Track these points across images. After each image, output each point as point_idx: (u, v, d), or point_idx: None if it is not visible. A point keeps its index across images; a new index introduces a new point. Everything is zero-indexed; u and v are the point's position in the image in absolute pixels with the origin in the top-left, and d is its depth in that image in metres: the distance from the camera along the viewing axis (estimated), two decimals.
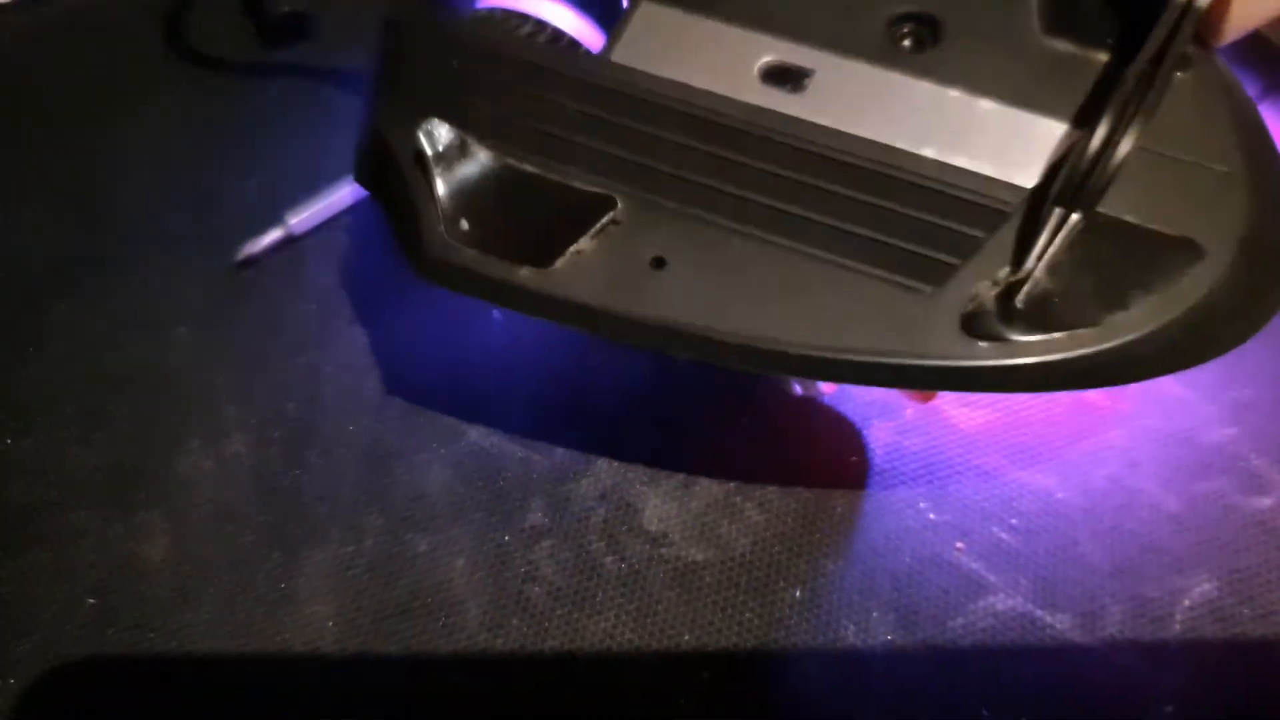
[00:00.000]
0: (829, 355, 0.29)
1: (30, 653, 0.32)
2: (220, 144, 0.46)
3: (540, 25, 0.34)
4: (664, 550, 0.34)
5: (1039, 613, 0.32)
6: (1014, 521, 0.34)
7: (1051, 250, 0.29)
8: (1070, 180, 0.29)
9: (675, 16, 0.33)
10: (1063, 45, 0.32)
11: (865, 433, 0.36)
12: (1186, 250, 0.29)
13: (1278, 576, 0.33)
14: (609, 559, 0.34)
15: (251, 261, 0.41)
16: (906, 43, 0.33)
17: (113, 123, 0.47)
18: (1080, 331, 0.28)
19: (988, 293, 0.29)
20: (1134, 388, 0.37)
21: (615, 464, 0.36)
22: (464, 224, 0.31)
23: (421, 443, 0.36)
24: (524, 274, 0.30)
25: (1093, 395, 0.36)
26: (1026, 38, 0.32)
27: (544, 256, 0.30)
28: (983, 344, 0.28)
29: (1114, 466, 0.35)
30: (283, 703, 0.31)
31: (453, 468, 0.36)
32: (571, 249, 0.30)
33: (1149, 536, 0.34)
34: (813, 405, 0.37)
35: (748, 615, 0.32)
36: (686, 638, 0.32)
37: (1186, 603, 0.32)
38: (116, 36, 0.51)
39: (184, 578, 0.34)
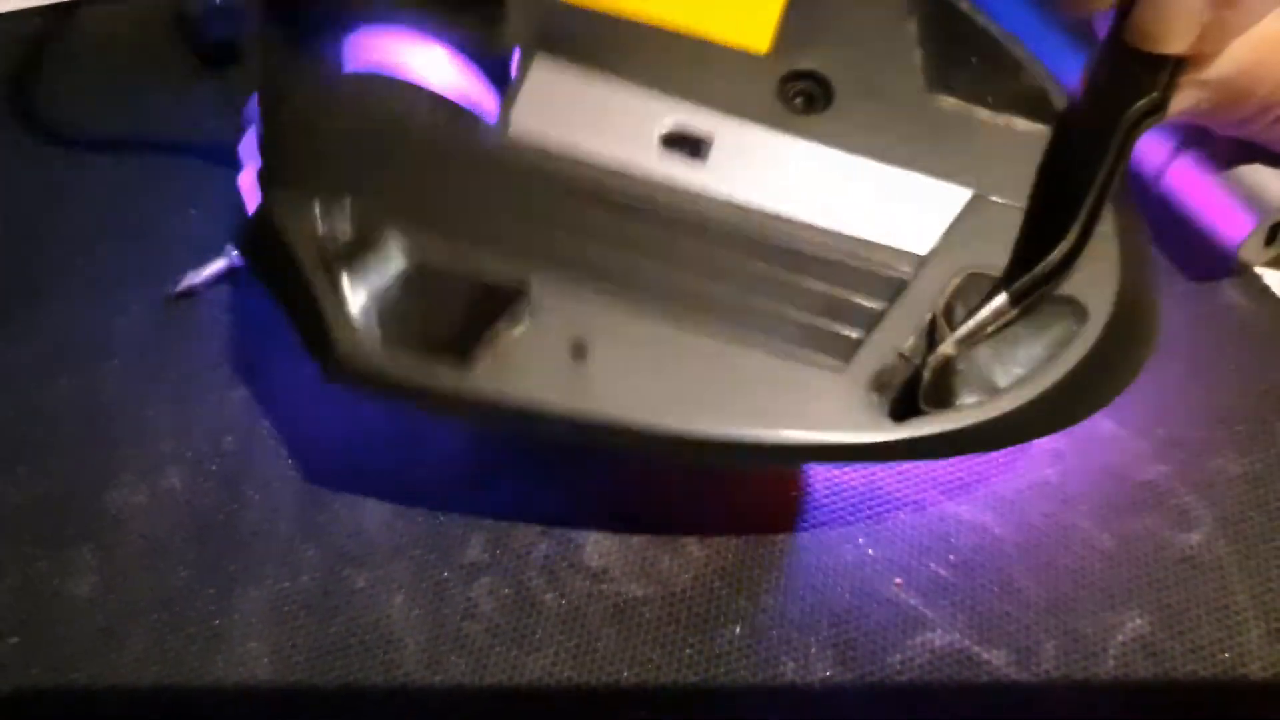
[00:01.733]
0: (751, 442, 0.29)
1: None
2: (159, 172, 0.45)
3: (425, 94, 0.32)
4: (604, 586, 0.34)
5: (975, 649, 0.32)
6: (951, 558, 0.34)
7: (973, 328, 0.30)
8: (1035, 282, 0.30)
9: (570, 75, 0.33)
10: (947, 102, 0.33)
11: (805, 468, 0.36)
12: (1071, 309, 0.31)
13: (1205, 611, 0.33)
14: (549, 595, 0.33)
15: (191, 293, 0.41)
16: (799, 101, 0.33)
17: (46, 151, 0.47)
18: (983, 399, 0.29)
19: (895, 366, 0.30)
20: None
21: (558, 500, 0.35)
22: (373, 319, 0.29)
23: (361, 478, 0.36)
24: (442, 374, 0.29)
25: None
26: (912, 96, 0.33)
27: (461, 349, 0.29)
28: (893, 418, 0.29)
29: (1050, 504, 0.35)
30: None
31: (392, 504, 0.35)
32: (489, 339, 0.29)
33: (1083, 573, 0.34)
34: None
35: (688, 652, 0.32)
36: (626, 674, 0.32)
37: (1119, 638, 0.33)
38: (51, 62, 0.51)
39: (112, 616, 0.33)
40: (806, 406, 0.30)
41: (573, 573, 0.34)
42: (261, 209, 0.32)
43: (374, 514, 0.35)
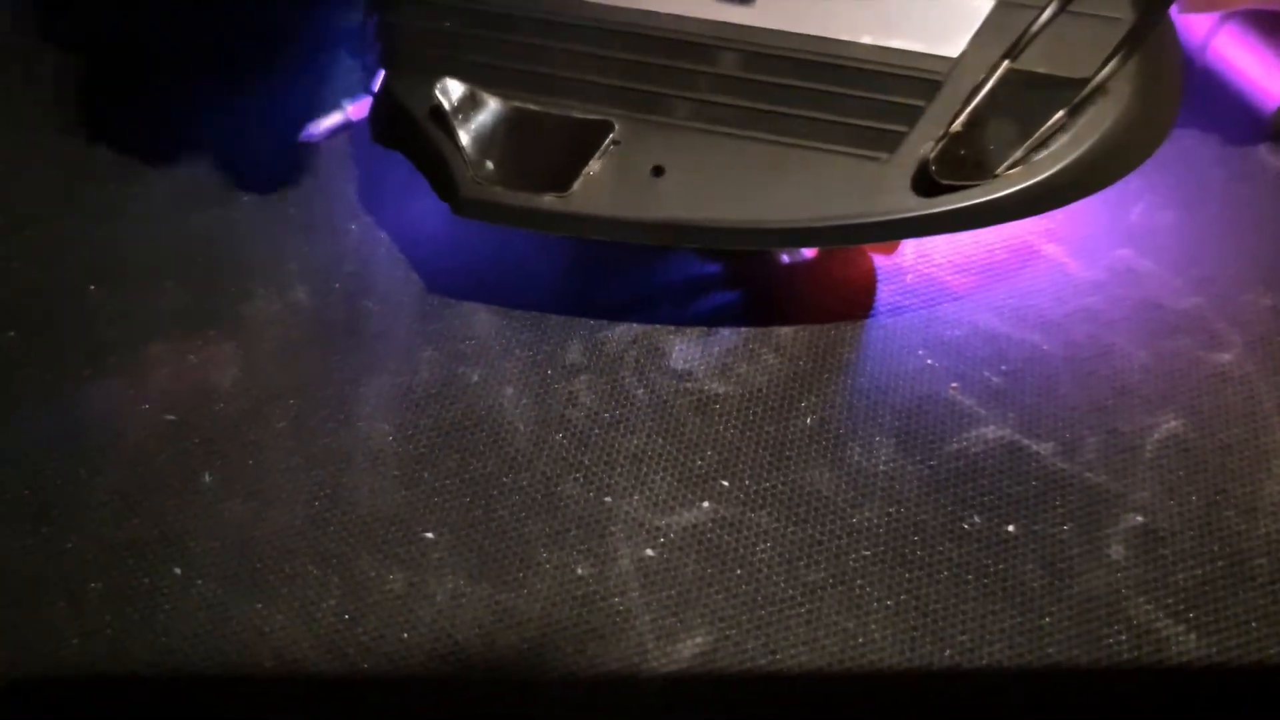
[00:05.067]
0: (808, 226, 0.35)
1: (114, 459, 0.36)
2: (292, 47, 0.50)
3: None
4: (689, 384, 0.38)
5: (1024, 441, 0.36)
6: (1003, 367, 0.38)
7: (984, 97, 0.34)
8: (1021, 40, 0.34)
9: None
10: None
11: (869, 294, 0.40)
12: (1092, 91, 0.34)
13: (1236, 416, 0.37)
14: (640, 391, 0.37)
15: (311, 142, 0.45)
16: None
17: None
18: (1013, 172, 0.34)
19: (933, 151, 0.34)
20: (1106, 261, 0.41)
21: (645, 314, 0.39)
22: (488, 165, 0.36)
23: (470, 294, 0.40)
24: (547, 200, 0.35)
25: (1070, 265, 0.41)
26: None
27: (561, 183, 0.35)
28: (934, 194, 0.34)
29: (1092, 326, 0.39)
30: (338, 505, 0.35)
31: (499, 315, 0.39)
32: (583, 172, 0.35)
33: (1122, 383, 0.38)
34: (820, 272, 0.41)
35: (763, 437, 0.36)
36: (709, 453, 0.36)
37: (1155, 436, 0.36)
38: None
39: (255, 399, 0.37)
40: (861, 191, 0.35)
41: (660, 374, 0.38)
42: (385, 86, 0.38)
43: (483, 323, 0.39)
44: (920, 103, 0.35)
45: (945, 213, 0.34)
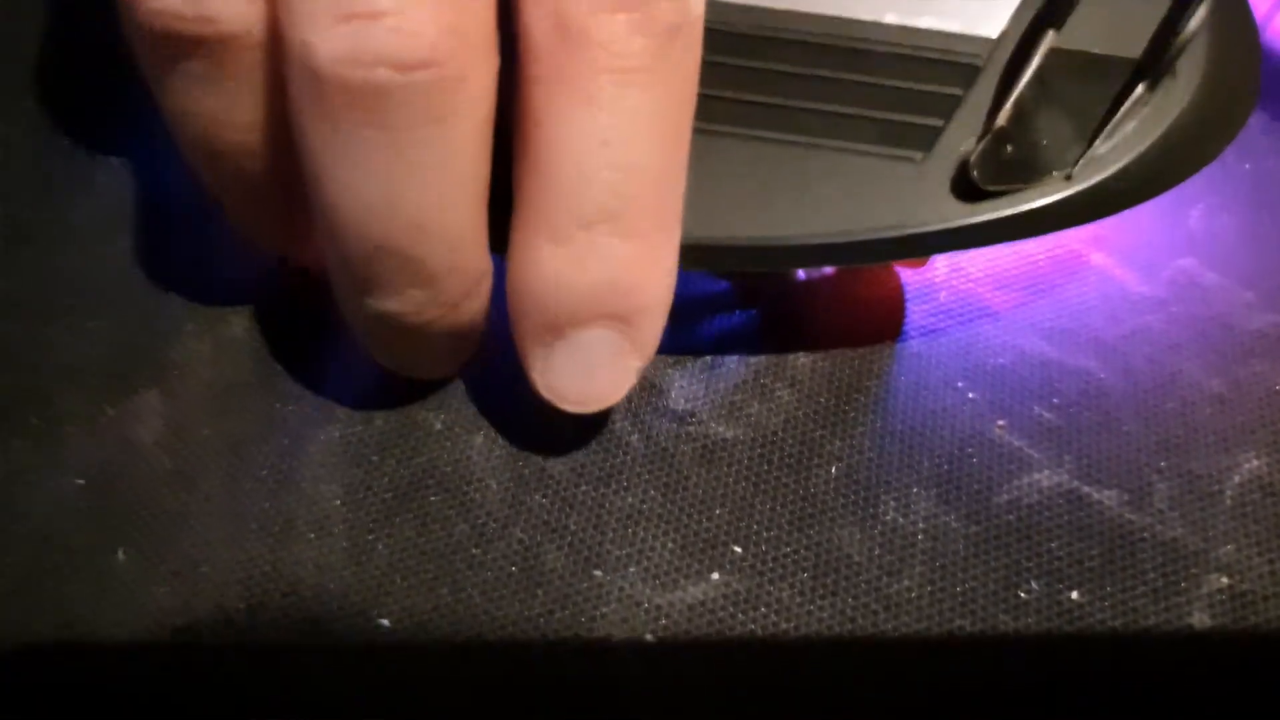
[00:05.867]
0: (832, 242, 0.29)
1: (11, 534, 0.30)
2: None
3: None
4: (690, 428, 0.32)
5: (1085, 489, 0.31)
6: (1055, 400, 0.33)
7: (1030, 84, 0.29)
8: (1070, 16, 0.29)
9: None
10: None
11: (898, 315, 0.35)
12: (1154, 73, 0.29)
13: None
14: (634, 437, 0.32)
15: None
16: None
17: None
18: (1070, 170, 0.29)
19: (980, 148, 0.29)
20: (1165, 274, 0.36)
21: None
22: None
23: None
24: None
25: (1125, 278, 0.35)
26: None
27: None
28: (977, 199, 0.29)
29: (1153, 349, 0.34)
30: (278, 586, 0.29)
31: None
32: None
33: (1194, 416, 0.32)
34: (841, 289, 0.35)
35: (781, 491, 0.31)
36: (718, 511, 0.30)
37: (1236, 479, 0.31)
38: None
39: (181, 460, 0.32)
40: (892, 198, 0.29)
41: (657, 415, 0.32)
42: None
43: None
44: (956, 91, 0.29)
45: (994, 222, 0.29)
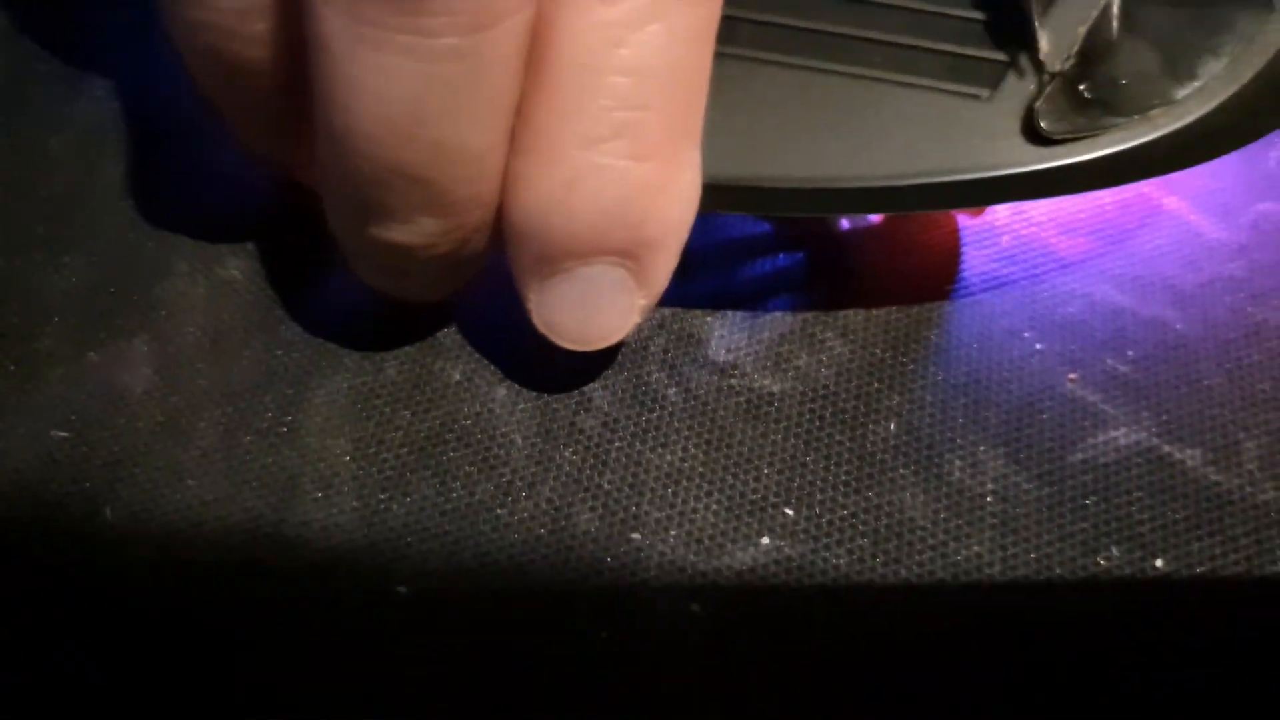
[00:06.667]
0: (888, 185, 0.26)
1: None
2: None
3: None
4: (733, 381, 0.29)
5: (1166, 447, 0.28)
6: (1130, 353, 0.30)
7: (1104, 12, 0.26)
8: None
9: None
10: None
11: (957, 261, 0.32)
12: (1251, 3, 0.26)
13: None
14: (671, 390, 0.29)
15: None
16: None
17: None
18: (1154, 112, 0.26)
19: (1049, 87, 0.26)
20: (1246, 219, 0.33)
21: (675, 289, 0.31)
22: None
23: None
24: None
25: (1202, 224, 0.33)
26: None
27: None
28: (1052, 143, 0.26)
29: (1235, 298, 0.31)
30: (280, 550, 0.27)
31: None
32: None
33: None
34: (893, 231, 0.32)
35: (835, 449, 0.28)
36: (766, 471, 0.28)
37: None
38: None
39: (172, 410, 0.29)
40: (955, 139, 0.26)
41: (697, 367, 0.30)
42: None
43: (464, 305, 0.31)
44: (1028, 21, 0.27)
45: (1069, 167, 0.26)
